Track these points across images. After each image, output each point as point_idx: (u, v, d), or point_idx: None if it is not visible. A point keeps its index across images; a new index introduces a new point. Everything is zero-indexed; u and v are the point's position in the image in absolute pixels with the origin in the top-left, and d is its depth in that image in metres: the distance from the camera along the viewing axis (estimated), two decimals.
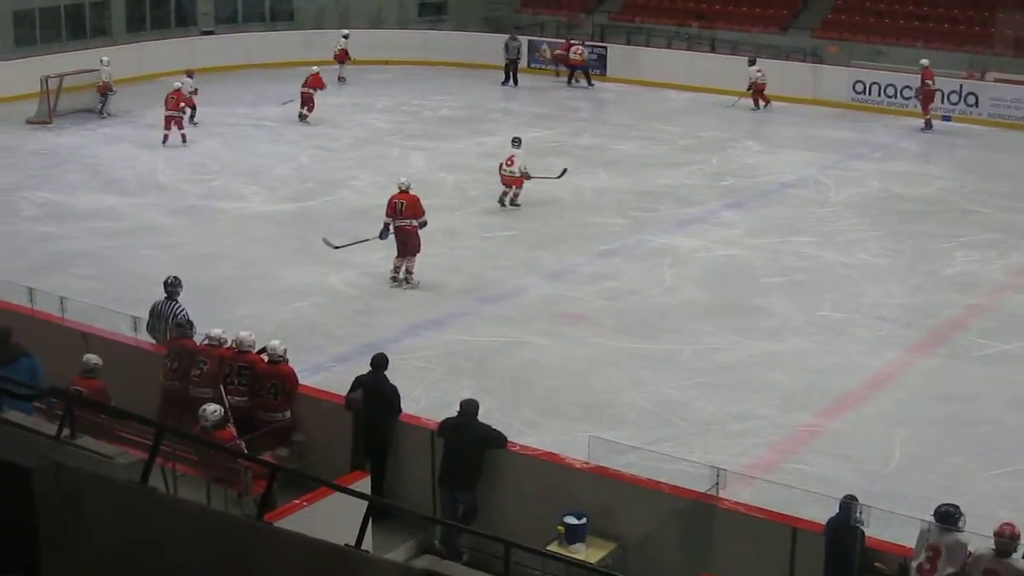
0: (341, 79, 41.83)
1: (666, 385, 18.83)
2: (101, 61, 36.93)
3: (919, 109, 36.45)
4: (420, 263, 23.17)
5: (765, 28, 44.59)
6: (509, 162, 27.74)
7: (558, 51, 44.08)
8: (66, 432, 9.97)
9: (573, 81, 42.79)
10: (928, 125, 36.30)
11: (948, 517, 11.56)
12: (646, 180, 30.30)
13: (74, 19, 44.21)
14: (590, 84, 42.65)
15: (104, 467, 8.69)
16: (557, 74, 44.03)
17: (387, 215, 22.98)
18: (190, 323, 16.23)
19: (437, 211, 26.98)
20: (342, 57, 42.48)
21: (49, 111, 36.33)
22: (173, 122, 33.25)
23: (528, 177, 27.70)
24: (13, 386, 10.33)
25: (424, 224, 23.01)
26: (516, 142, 28.22)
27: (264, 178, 30.37)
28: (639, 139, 34.44)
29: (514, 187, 27.82)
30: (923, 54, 38.70)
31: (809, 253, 24.92)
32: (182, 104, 33.64)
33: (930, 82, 36.17)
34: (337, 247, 23.66)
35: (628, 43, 45.22)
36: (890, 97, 38.40)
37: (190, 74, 36.24)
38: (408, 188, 23.03)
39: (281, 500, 11.73)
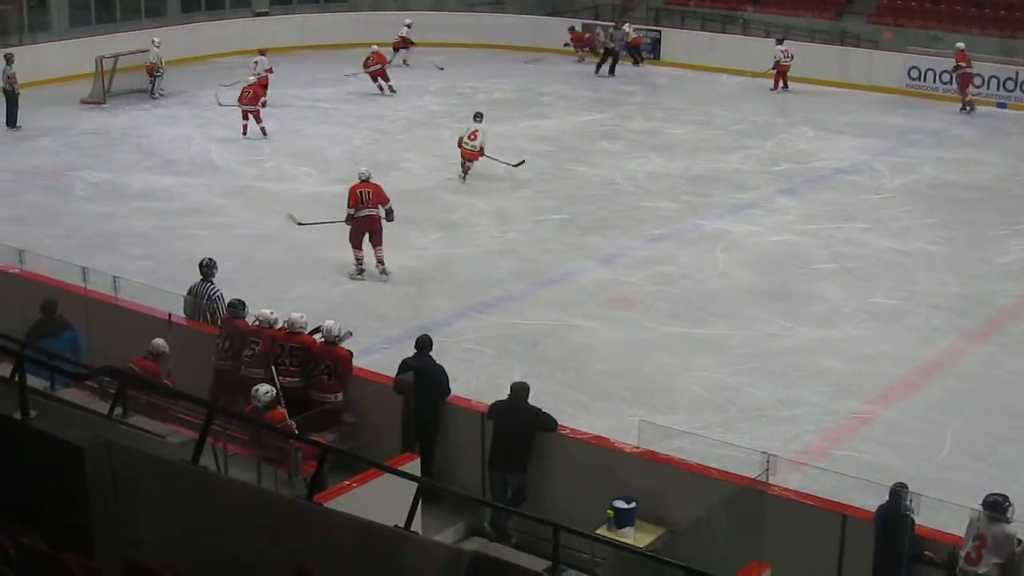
0: (405, 63, 41.77)
1: (717, 370, 18.77)
2: (152, 41, 37.08)
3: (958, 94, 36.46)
4: (474, 246, 23.18)
5: (820, 13, 44.28)
6: (472, 136, 27.97)
7: (590, 35, 43.85)
8: (118, 411, 10.05)
9: (602, 69, 41.98)
10: (967, 108, 36.42)
11: (996, 506, 11.49)
12: (699, 164, 30.19)
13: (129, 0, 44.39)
14: (638, 63, 42.79)
15: (156, 446, 8.75)
16: (581, 58, 43.75)
17: (350, 205, 22.35)
18: (242, 303, 16.26)
19: (488, 194, 27.13)
20: (401, 44, 42.08)
21: (103, 91, 36.54)
22: (251, 114, 32.79)
23: (482, 154, 27.92)
24: (59, 361, 10.40)
25: (391, 211, 22.48)
26: (478, 117, 28.53)
27: (317, 159, 30.42)
28: (692, 123, 34.31)
29: (473, 161, 28.13)
30: (979, 41, 38.48)
31: (862, 240, 24.78)
32: (262, 99, 33.12)
33: (963, 64, 36.16)
34: (300, 224, 23.62)
35: (682, 27, 45.08)
36: (945, 83, 38.04)
37: (263, 52, 36.38)
38: (369, 177, 22.63)
39: (331, 481, 11.76)
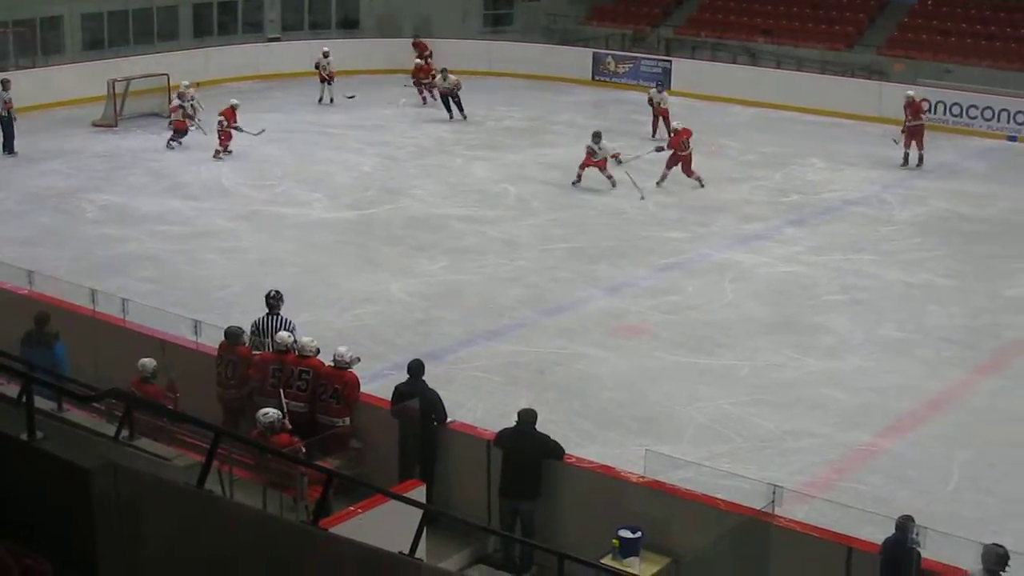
0: (332, 101, 40.51)
1: (724, 401, 18.76)
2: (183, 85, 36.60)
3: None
4: (482, 273, 23.30)
5: (831, 44, 44.41)
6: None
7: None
8: (124, 433, 10.05)
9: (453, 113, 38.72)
10: (908, 161, 33.45)
11: (994, 559, 11.40)
12: (709, 195, 30.17)
13: (142, 23, 44.60)
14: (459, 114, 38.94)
15: (161, 469, 8.74)
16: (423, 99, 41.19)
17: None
18: (241, 330, 16.24)
19: (498, 222, 27.10)
20: (329, 78, 40.43)
21: (115, 114, 36.66)
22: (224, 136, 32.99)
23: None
24: (41, 373, 10.42)
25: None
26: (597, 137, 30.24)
27: (327, 185, 30.49)
28: (702, 154, 34.38)
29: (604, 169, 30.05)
30: (990, 74, 38.44)
31: (871, 271, 24.78)
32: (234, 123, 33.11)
33: (915, 116, 33.60)
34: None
35: (693, 57, 45.17)
36: (955, 116, 38.10)
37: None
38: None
39: (336, 506, 11.76)
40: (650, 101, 36.57)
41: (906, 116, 33.53)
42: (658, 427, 17.82)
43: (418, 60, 42.11)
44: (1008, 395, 19.40)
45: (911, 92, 34.17)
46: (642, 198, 29.31)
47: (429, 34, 46.22)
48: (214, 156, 32.52)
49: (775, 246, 26.38)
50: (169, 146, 34.07)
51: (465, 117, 38.17)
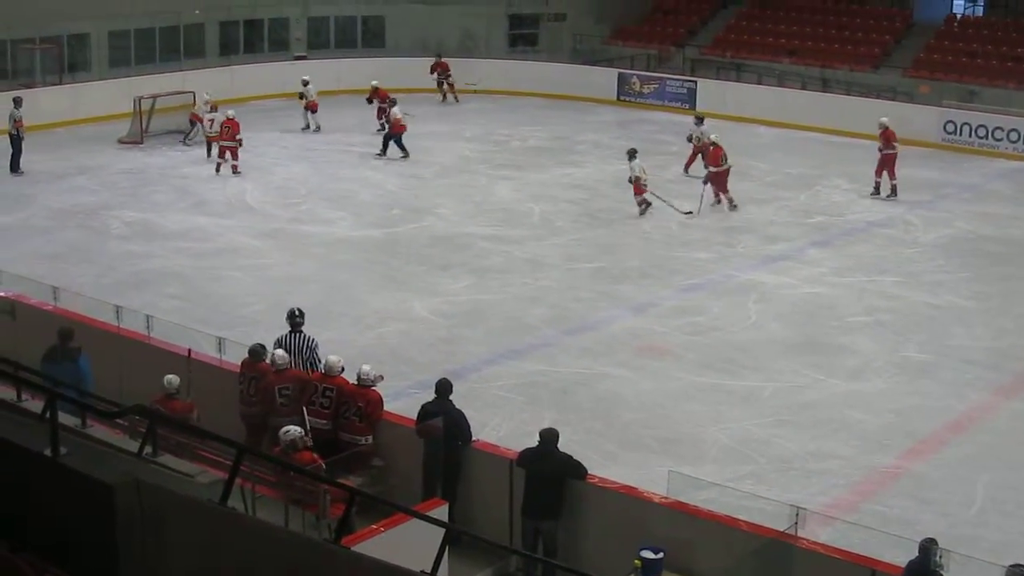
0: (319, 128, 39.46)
1: (747, 422, 18.72)
2: (207, 95, 36.79)
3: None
4: (506, 292, 23.35)
5: (856, 66, 44.36)
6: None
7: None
8: (148, 450, 10.07)
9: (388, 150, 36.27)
10: (878, 191, 32.62)
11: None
12: (732, 215, 30.15)
13: (168, 41, 44.78)
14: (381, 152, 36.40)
15: (184, 485, 8.75)
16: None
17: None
18: (263, 347, 16.29)
19: (522, 242, 27.10)
20: (313, 107, 39.33)
21: (141, 131, 36.79)
22: (228, 151, 33.22)
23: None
24: (64, 388, 10.45)
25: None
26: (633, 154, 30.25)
27: (351, 203, 30.55)
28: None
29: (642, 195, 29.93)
30: (1016, 95, 38.33)
31: (895, 293, 24.73)
32: (238, 136, 33.22)
33: (889, 146, 32.54)
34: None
35: (718, 78, 45.17)
36: (981, 138, 38.07)
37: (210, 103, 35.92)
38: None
39: (358, 524, 11.76)
40: (690, 138, 34.44)
41: (879, 143, 32.80)
42: (681, 448, 17.79)
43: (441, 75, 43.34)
44: None
45: (885, 119, 33.19)
46: (689, 212, 29.61)
47: (454, 53, 46.31)
48: (233, 172, 32.74)
49: (799, 267, 26.34)
50: (185, 143, 35.83)
51: (381, 155, 35.90)
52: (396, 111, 36.19)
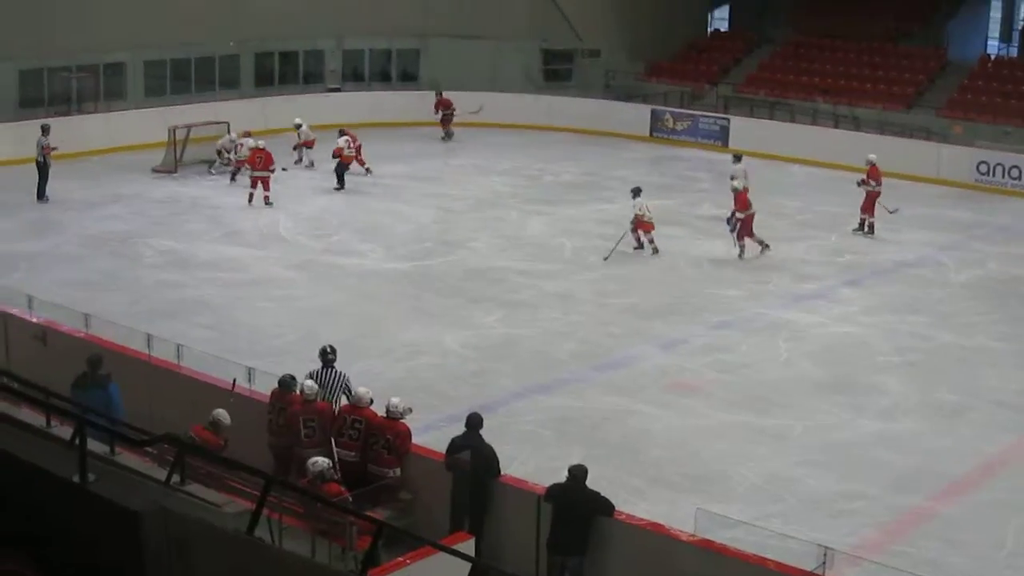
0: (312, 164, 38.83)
1: (776, 460, 18.65)
2: (233, 134, 37.07)
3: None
4: (537, 326, 23.40)
5: (889, 105, 44.28)
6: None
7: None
8: (176, 478, 10.08)
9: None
10: (866, 228, 32.54)
11: None
12: (764, 253, 30.08)
13: (204, 71, 44.99)
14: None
15: (212, 515, 8.76)
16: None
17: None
18: (293, 379, 16.31)
19: (553, 276, 27.12)
20: (307, 144, 39.08)
21: (175, 160, 36.97)
22: (260, 182, 33.39)
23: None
24: (92, 415, 10.47)
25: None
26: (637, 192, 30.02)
27: (383, 236, 30.61)
28: (759, 212, 34.25)
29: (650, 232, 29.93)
30: None
31: (926, 334, 24.63)
32: (272, 167, 33.61)
33: (873, 182, 32.46)
34: None
35: (751, 116, 45.16)
36: (1014, 179, 38.00)
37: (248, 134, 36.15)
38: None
39: (385, 557, 11.74)
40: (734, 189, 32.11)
41: (867, 180, 32.63)
42: (710, 485, 17.73)
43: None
44: None
45: (872, 156, 33.12)
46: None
47: (488, 88, 46.37)
48: (265, 203, 32.92)
49: (830, 306, 26.28)
50: (211, 172, 36.67)
51: (283, 170, 36.00)
52: (340, 141, 36.23)
